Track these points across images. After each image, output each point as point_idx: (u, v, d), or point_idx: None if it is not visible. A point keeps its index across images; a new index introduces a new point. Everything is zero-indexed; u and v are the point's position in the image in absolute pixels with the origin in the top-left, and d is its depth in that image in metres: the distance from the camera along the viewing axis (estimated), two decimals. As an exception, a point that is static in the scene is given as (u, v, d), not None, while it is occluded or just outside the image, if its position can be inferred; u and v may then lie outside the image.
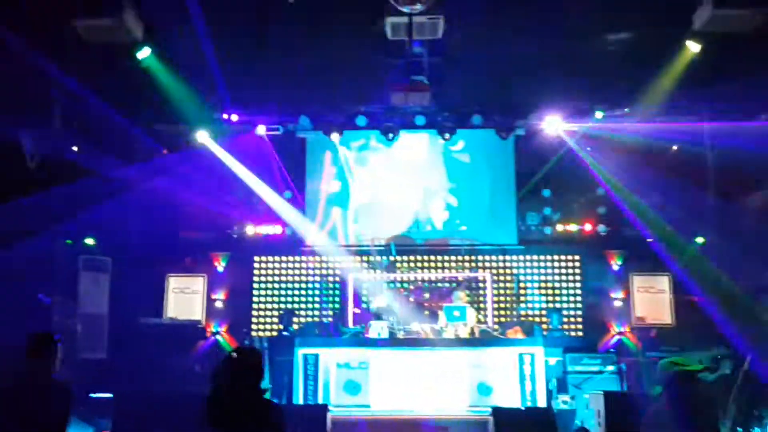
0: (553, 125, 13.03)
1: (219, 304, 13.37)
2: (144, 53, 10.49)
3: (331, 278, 13.40)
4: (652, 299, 13.53)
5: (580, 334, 13.30)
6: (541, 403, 9.86)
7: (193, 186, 13.12)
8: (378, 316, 10.77)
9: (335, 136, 13.11)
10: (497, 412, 7.79)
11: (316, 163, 13.89)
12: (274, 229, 13.65)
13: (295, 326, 12.16)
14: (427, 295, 12.19)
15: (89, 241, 13.12)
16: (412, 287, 12.20)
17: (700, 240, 13.38)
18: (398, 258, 13.18)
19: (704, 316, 12.32)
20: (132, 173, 13.54)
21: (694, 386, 3.97)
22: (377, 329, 10.31)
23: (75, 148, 13.29)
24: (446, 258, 13.43)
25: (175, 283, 13.42)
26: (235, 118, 12.78)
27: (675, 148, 13.64)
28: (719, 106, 12.47)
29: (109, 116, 12.50)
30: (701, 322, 12.26)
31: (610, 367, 11.14)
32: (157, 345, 11.50)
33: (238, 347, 3.85)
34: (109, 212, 13.26)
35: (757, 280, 11.93)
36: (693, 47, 10.94)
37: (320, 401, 9.76)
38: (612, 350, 12.39)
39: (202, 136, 12.85)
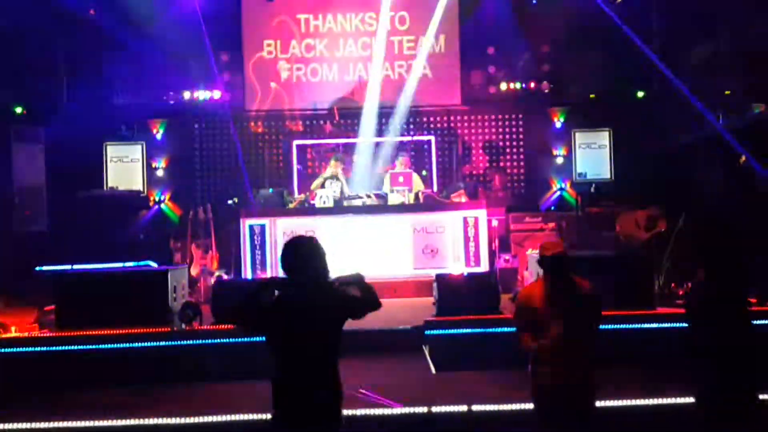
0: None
1: (160, 173, 13.13)
2: None
3: (274, 145, 13.18)
4: (592, 155, 13.76)
5: (523, 191, 13.56)
6: (484, 263, 10.15)
7: (123, 48, 12.54)
8: (323, 183, 10.71)
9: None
10: (440, 278, 7.97)
11: (255, 24, 13.28)
12: (213, 94, 13.19)
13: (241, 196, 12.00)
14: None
15: (18, 109, 12.59)
16: (356, 154, 12.08)
17: (640, 94, 13.50)
18: (342, 122, 12.97)
19: (642, 171, 12.65)
20: (57, 34, 12.84)
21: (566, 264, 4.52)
22: (322, 197, 10.30)
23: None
24: (390, 121, 13.27)
25: (112, 151, 13.06)
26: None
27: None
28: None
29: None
30: (639, 177, 12.60)
31: (551, 225, 11.45)
32: (99, 216, 11.34)
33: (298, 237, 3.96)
34: (37, 78, 12.67)
35: (697, 133, 12.16)
36: None
37: (268, 271, 9.87)
38: (552, 207, 12.69)
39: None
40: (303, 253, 3.81)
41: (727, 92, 12.07)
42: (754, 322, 4.52)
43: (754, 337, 4.35)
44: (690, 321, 4.45)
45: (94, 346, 7.00)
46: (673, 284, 8.55)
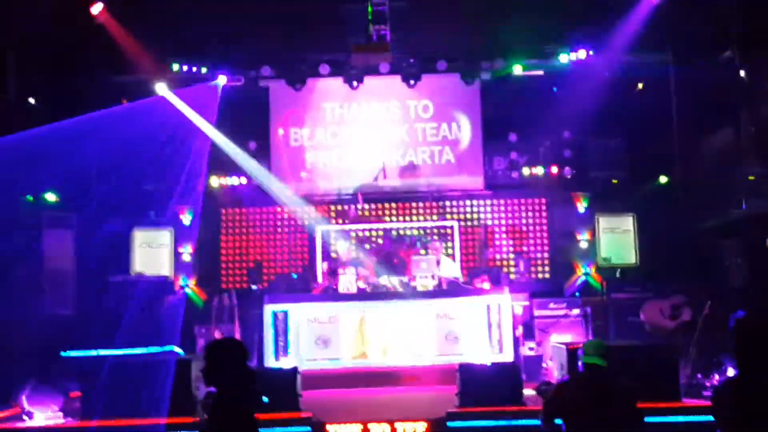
0: (519, 68, 12.96)
1: (186, 258, 13.28)
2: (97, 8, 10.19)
3: (299, 230, 13.37)
4: (617, 239, 13.68)
5: (547, 276, 13.50)
6: (508, 350, 10.05)
7: (155, 138, 12.89)
8: (346, 270, 10.77)
9: (299, 86, 12.93)
10: (464, 368, 7.92)
11: (281, 113, 13.68)
12: (240, 181, 13.52)
13: (264, 282, 12.11)
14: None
15: (50, 196, 12.90)
16: (380, 239, 12.20)
17: (663, 179, 13.53)
18: (366, 207, 13.13)
19: (667, 256, 12.57)
20: (92, 125, 13.27)
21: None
22: (346, 283, 10.36)
23: (32, 100, 12.99)
24: (413, 206, 13.44)
25: (141, 237, 13.27)
26: (195, 68, 12.52)
27: (640, 86, 13.64)
28: (685, 43, 12.49)
29: (66, 67, 12.23)
30: (664, 263, 12.51)
31: (576, 311, 11.34)
32: (126, 300, 11.45)
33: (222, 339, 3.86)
34: (70, 166, 13.04)
35: (721, 220, 12.12)
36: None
37: (291, 357, 9.87)
38: (577, 293, 12.59)
39: (161, 88, 12.59)
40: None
41: (750, 177, 12.06)
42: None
43: None
44: (717, 418, 4.35)
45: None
46: (699, 375, 8.41)
